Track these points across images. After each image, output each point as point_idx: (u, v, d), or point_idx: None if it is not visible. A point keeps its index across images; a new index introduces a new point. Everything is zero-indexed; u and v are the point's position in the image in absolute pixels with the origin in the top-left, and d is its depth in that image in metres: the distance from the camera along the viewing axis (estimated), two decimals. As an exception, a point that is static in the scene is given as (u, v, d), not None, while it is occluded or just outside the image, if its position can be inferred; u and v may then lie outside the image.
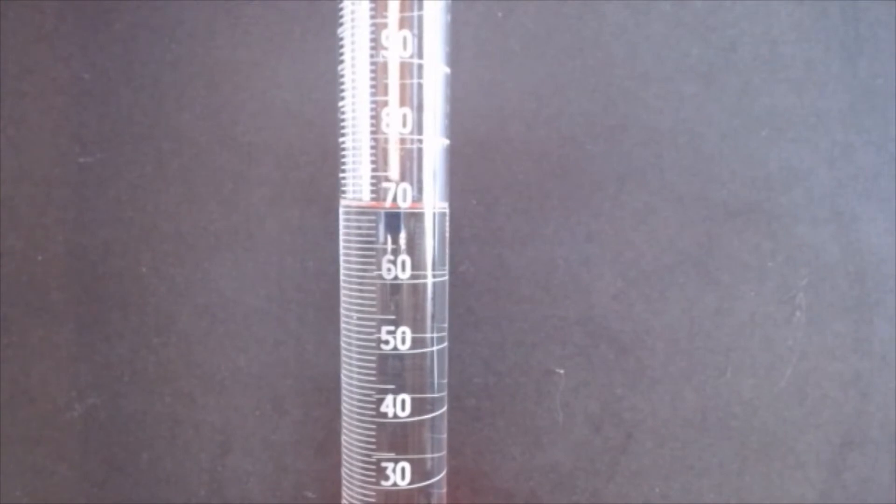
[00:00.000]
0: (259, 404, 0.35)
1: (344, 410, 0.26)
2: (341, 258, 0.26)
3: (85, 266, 0.34)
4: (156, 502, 0.35)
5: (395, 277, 0.25)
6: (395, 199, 0.24)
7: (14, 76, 0.33)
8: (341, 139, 0.25)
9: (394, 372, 0.25)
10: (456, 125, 0.33)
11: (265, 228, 0.34)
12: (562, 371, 0.35)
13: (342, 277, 0.26)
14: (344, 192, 0.25)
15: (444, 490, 0.27)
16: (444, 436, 0.27)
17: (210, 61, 0.34)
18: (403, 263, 0.24)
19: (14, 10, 0.33)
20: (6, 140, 0.34)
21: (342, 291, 0.26)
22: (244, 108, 0.34)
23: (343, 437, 0.27)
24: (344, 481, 0.27)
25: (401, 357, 0.25)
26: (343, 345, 0.26)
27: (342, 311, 0.26)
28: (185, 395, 0.35)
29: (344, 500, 0.27)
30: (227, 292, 0.34)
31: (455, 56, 0.33)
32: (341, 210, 0.25)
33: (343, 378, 0.26)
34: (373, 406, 0.25)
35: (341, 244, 0.25)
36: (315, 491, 0.35)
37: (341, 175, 0.25)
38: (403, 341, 0.25)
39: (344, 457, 0.27)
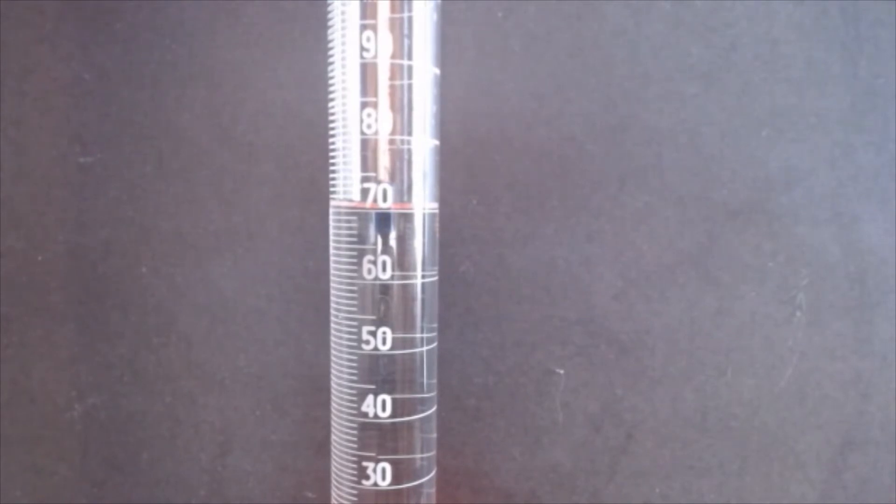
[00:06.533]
0: (259, 404, 0.35)
1: (332, 410, 0.26)
2: (331, 258, 0.26)
3: (85, 266, 0.34)
4: (156, 502, 0.35)
5: (376, 278, 0.25)
6: (384, 199, 0.24)
7: (14, 76, 0.33)
8: (331, 140, 0.25)
9: (374, 372, 0.25)
10: (456, 125, 0.33)
11: (265, 228, 0.34)
12: (562, 371, 0.35)
13: (332, 277, 0.26)
14: (334, 192, 0.25)
15: (433, 490, 0.27)
16: (433, 436, 0.27)
17: (210, 61, 0.34)
18: (384, 264, 0.24)
19: (14, 10, 0.33)
20: (6, 140, 0.34)
21: (331, 291, 0.26)
22: (244, 108, 0.34)
23: (332, 437, 0.27)
24: (332, 480, 0.27)
25: (382, 357, 0.25)
26: (332, 344, 0.26)
27: (331, 311, 0.26)
28: (185, 395, 0.35)
29: (333, 500, 0.27)
30: (227, 292, 0.34)
31: (455, 56, 0.33)
32: (331, 210, 0.25)
33: (332, 377, 0.26)
34: (354, 406, 0.25)
35: (331, 244, 0.26)
36: (315, 491, 0.35)
37: (331, 175, 0.25)
38: (384, 342, 0.25)
39: (332, 456, 0.27)
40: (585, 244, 0.34)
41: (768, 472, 0.35)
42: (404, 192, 0.24)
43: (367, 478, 0.25)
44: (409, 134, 0.24)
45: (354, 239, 0.25)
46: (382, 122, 0.24)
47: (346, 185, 0.25)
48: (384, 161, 0.24)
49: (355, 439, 0.25)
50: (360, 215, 0.24)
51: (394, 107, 0.24)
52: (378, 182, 0.24)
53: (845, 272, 0.34)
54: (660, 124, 0.34)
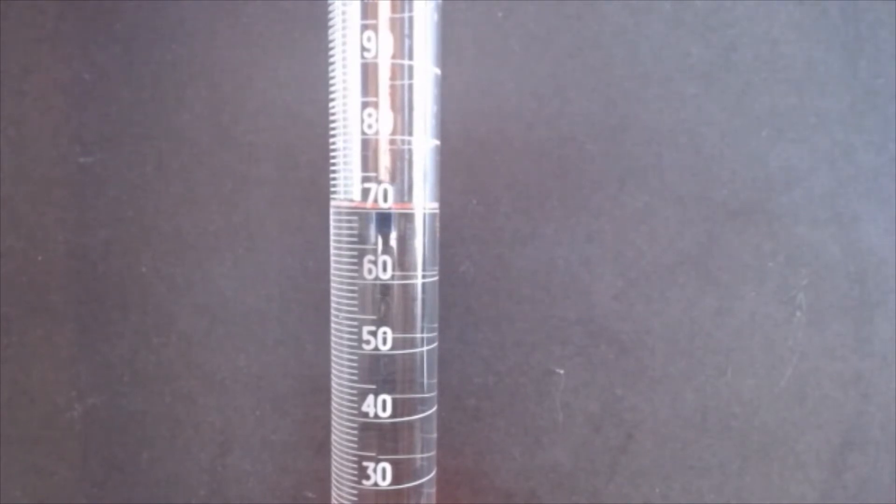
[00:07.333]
0: (259, 404, 0.35)
1: (332, 410, 0.26)
2: (331, 258, 0.26)
3: (85, 266, 0.34)
4: (156, 502, 0.35)
5: (377, 278, 0.25)
6: (384, 199, 0.24)
7: (14, 76, 0.33)
8: (332, 140, 0.25)
9: (374, 372, 0.25)
10: (456, 125, 0.33)
11: (265, 228, 0.34)
12: (562, 371, 0.35)
13: (332, 277, 0.26)
14: (334, 192, 0.25)
15: (433, 490, 0.27)
16: (434, 436, 0.27)
17: (210, 61, 0.34)
18: (385, 264, 0.24)
19: (14, 10, 0.33)
20: (6, 140, 0.34)
21: (332, 291, 0.26)
22: (244, 108, 0.34)
23: (332, 437, 0.27)
24: (333, 480, 0.27)
25: (382, 357, 0.25)
26: (332, 344, 0.26)
27: (331, 311, 0.26)
28: (185, 395, 0.35)
29: (333, 500, 0.27)
30: (227, 292, 0.34)
31: (455, 56, 0.33)
32: (332, 210, 0.25)
33: (332, 377, 0.26)
34: (355, 405, 0.25)
35: (332, 244, 0.26)
36: (315, 491, 0.35)
37: (332, 175, 0.25)
38: (385, 342, 0.25)
39: (332, 456, 0.27)
40: (585, 244, 0.34)
41: (768, 472, 0.35)
42: (405, 192, 0.24)
43: (368, 478, 0.25)
44: (410, 134, 0.24)
45: (355, 239, 0.25)
46: (383, 122, 0.24)
47: (347, 185, 0.25)
48: (385, 161, 0.24)
49: (355, 439, 0.25)
50: (361, 215, 0.24)
51: (394, 107, 0.24)
52: (379, 182, 0.24)
53: (845, 272, 0.34)
54: (660, 124, 0.34)
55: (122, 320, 0.34)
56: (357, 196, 0.24)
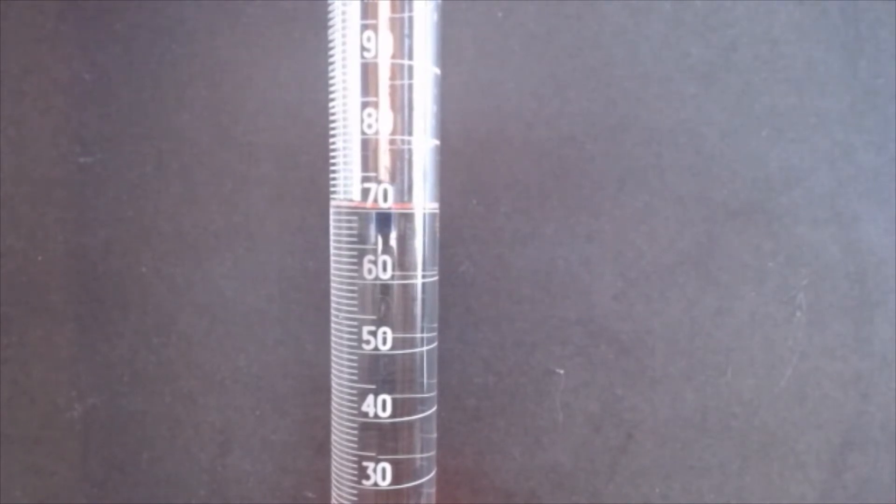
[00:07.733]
0: (259, 404, 0.35)
1: (332, 410, 0.26)
2: (331, 258, 0.26)
3: (85, 266, 0.34)
4: (156, 502, 0.35)
5: (377, 278, 0.25)
6: (384, 199, 0.24)
7: (14, 76, 0.33)
8: (331, 139, 0.25)
9: (375, 372, 0.25)
10: (456, 125, 0.33)
11: (265, 228, 0.34)
12: (562, 371, 0.35)
13: (332, 277, 0.26)
14: (334, 192, 0.25)
15: (433, 490, 0.27)
16: (433, 436, 0.27)
17: (210, 61, 0.34)
18: (385, 264, 0.24)
19: (14, 10, 0.33)
20: (6, 140, 0.34)
21: (332, 291, 0.26)
22: (244, 108, 0.34)
23: (332, 437, 0.27)
24: (333, 480, 0.27)
25: (382, 357, 0.25)
26: (332, 344, 0.26)
27: (331, 311, 0.26)
28: (185, 395, 0.35)
29: (333, 500, 0.27)
30: (227, 292, 0.34)
31: (455, 56, 0.33)
32: (332, 210, 0.25)
33: (332, 377, 0.26)
34: (355, 405, 0.25)
35: (331, 244, 0.26)
36: (315, 491, 0.35)
37: (332, 175, 0.25)
38: (385, 341, 0.25)
39: (332, 456, 0.27)
40: (585, 244, 0.34)
41: (768, 472, 0.35)
42: (405, 192, 0.24)
43: (367, 478, 0.25)
44: (410, 134, 0.24)
45: (355, 239, 0.25)
46: (383, 121, 0.24)
47: (347, 184, 0.25)
48: (385, 161, 0.24)
49: (355, 439, 0.25)
50: (361, 215, 0.24)
51: (394, 107, 0.24)
52: (378, 182, 0.24)
53: (845, 272, 0.34)
54: (660, 124, 0.34)
55: (122, 320, 0.34)
56: (357, 196, 0.24)
